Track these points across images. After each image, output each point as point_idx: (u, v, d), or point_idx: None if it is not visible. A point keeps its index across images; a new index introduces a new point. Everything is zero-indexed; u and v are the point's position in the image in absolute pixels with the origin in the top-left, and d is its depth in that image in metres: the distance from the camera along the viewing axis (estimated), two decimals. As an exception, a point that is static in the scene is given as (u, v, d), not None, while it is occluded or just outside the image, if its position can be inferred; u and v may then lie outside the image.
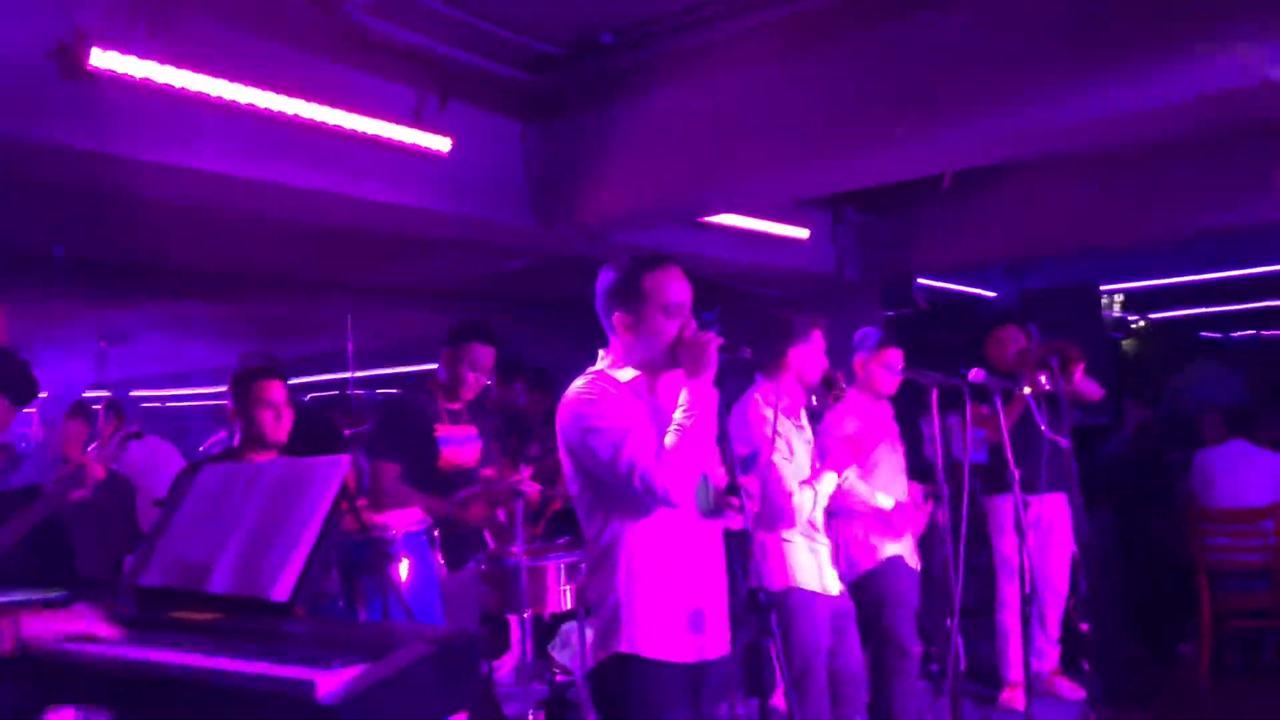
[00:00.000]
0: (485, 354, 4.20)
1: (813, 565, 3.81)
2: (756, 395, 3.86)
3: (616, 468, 2.46)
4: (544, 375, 6.46)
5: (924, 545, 4.77)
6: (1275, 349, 9.59)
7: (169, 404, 11.61)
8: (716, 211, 5.28)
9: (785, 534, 3.76)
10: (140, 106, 3.31)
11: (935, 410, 3.94)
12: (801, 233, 6.29)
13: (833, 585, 3.88)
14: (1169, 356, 9.39)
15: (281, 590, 2.28)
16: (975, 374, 4.15)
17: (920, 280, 7.60)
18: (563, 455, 2.64)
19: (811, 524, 3.84)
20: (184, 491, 2.75)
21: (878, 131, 4.31)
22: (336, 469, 2.45)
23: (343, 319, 6.12)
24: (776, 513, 3.68)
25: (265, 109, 3.50)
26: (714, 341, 2.56)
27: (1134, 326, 9.77)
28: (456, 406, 4.25)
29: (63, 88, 3.13)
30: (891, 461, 4.53)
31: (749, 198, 5.07)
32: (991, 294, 8.28)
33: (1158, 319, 9.71)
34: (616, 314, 2.61)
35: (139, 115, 3.31)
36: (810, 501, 3.74)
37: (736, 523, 3.00)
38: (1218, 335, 9.56)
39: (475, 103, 4.40)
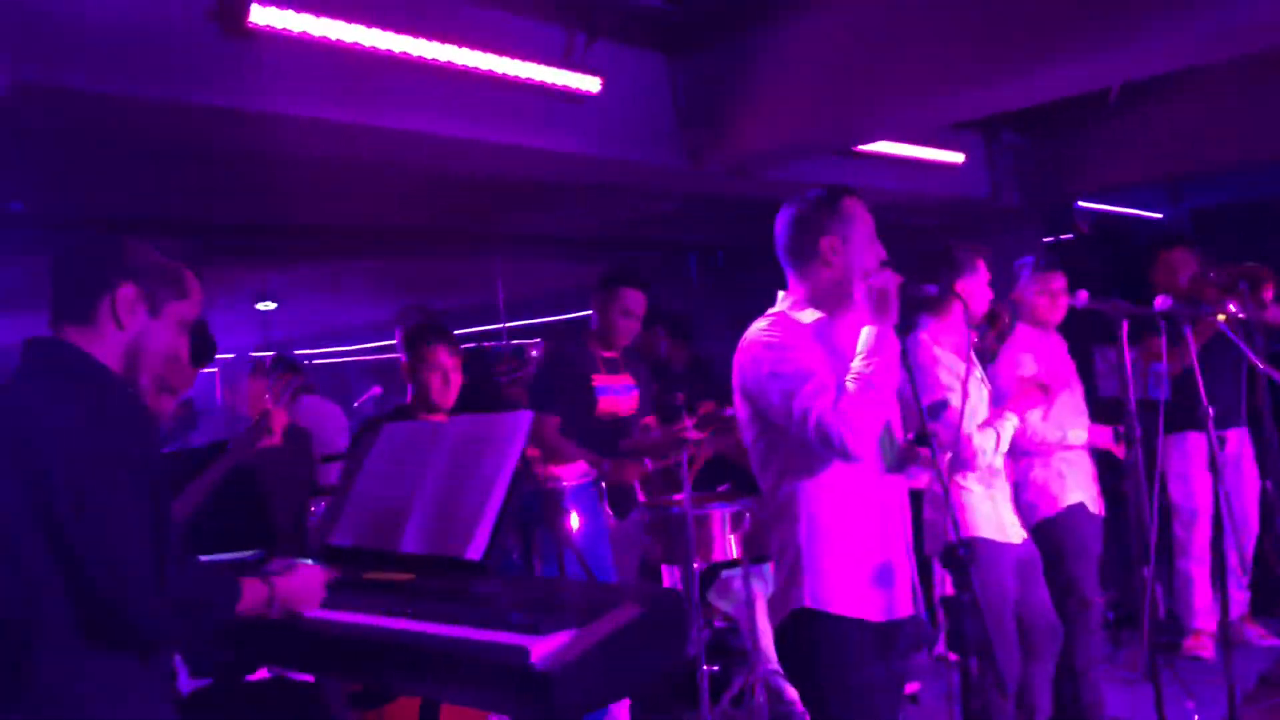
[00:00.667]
0: (637, 299, 4.13)
1: (993, 513, 3.61)
2: (924, 335, 3.63)
3: (793, 415, 2.31)
4: (682, 322, 6.35)
5: (1107, 489, 4.50)
6: None
7: (324, 360, 11.96)
8: (870, 140, 5.00)
9: (962, 481, 3.56)
10: (296, 61, 3.29)
11: (1125, 343, 3.64)
12: (956, 157, 5.94)
13: (1015, 533, 3.67)
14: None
15: (475, 549, 2.25)
16: (1162, 301, 3.83)
17: (1081, 204, 7.14)
18: (737, 400, 2.50)
19: (990, 469, 3.63)
20: (366, 450, 2.75)
21: (1043, 45, 3.98)
22: (520, 424, 2.39)
23: (492, 271, 6.11)
24: (956, 459, 3.49)
25: (420, 57, 3.43)
26: (895, 280, 2.37)
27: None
28: (612, 355, 4.19)
29: (222, 48, 3.12)
30: (1070, 400, 4.26)
31: (904, 123, 4.77)
32: (1157, 215, 7.72)
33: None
34: (824, 239, 2.42)
35: (295, 71, 3.28)
36: (992, 445, 3.52)
37: (922, 479, 2.83)
38: None
39: (621, 38, 4.23)
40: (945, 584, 3.31)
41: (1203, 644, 5.13)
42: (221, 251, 5.47)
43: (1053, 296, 4.12)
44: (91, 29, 2.90)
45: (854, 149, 5.08)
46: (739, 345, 2.51)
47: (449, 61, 3.50)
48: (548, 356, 4.16)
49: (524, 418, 2.41)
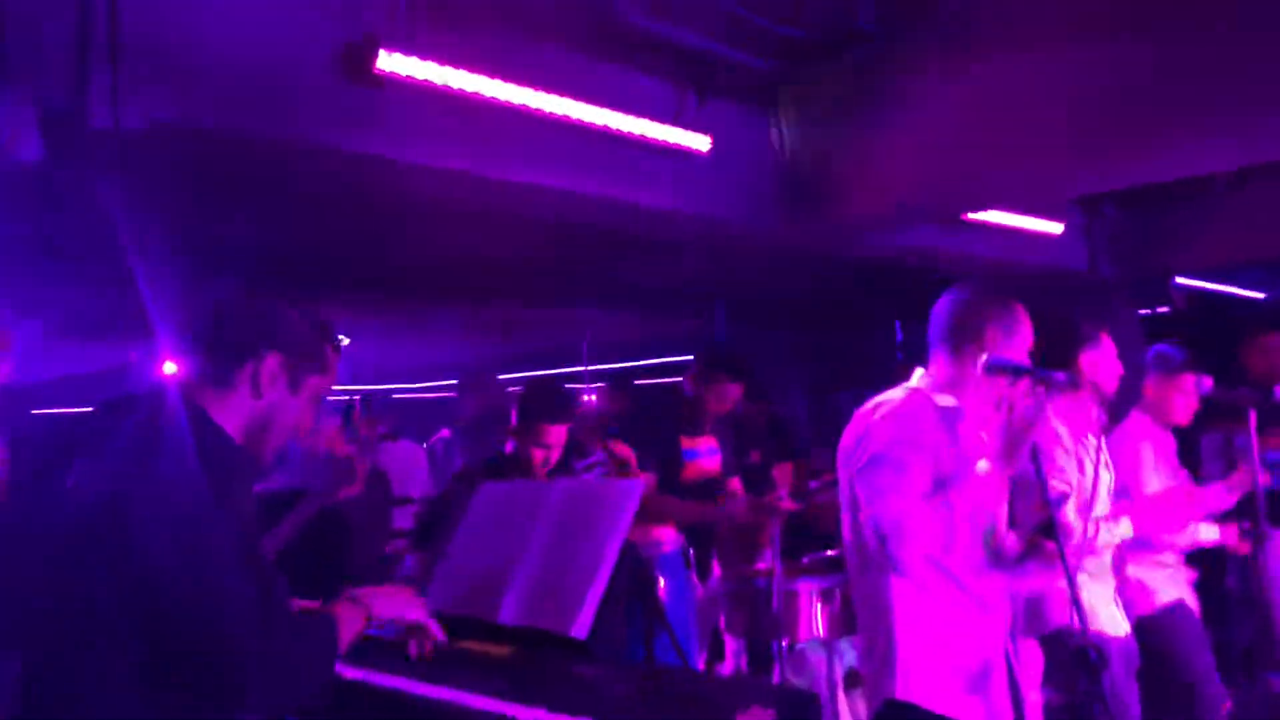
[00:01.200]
0: (734, 390, 4.07)
1: (1104, 606, 3.44)
2: (1048, 415, 3.49)
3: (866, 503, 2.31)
4: (756, 380, 6.22)
5: (1201, 586, 4.28)
6: None
7: (399, 396, 12.03)
8: (977, 209, 4.89)
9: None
10: (418, 108, 3.29)
11: (1254, 434, 3.45)
12: (1055, 227, 5.79)
13: (1122, 625, 3.50)
14: None
15: (581, 626, 2.15)
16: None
17: (1179, 280, 6.92)
18: (840, 468, 2.45)
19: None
20: (463, 509, 2.67)
21: (1161, 126, 3.86)
22: (632, 495, 2.30)
23: (578, 316, 6.07)
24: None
25: (538, 110, 3.41)
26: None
27: None
28: (702, 419, 4.13)
29: (348, 91, 3.12)
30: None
31: (1013, 196, 4.66)
32: (1258, 294, 7.45)
33: None
34: (989, 326, 2.42)
35: (416, 117, 3.28)
36: (1111, 540, 3.36)
37: (1038, 578, 2.71)
38: None
39: (731, 97, 4.20)
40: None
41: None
42: (327, 285, 5.49)
43: (1187, 395, 3.93)
44: (221, 69, 2.92)
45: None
46: (858, 413, 2.45)
47: (565, 115, 3.48)
48: (633, 416, 4.11)
49: (636, 485, 2.32)
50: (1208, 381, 3.72)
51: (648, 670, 1.98)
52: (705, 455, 4.15)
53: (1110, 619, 3.45)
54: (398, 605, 2.02)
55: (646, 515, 3.75)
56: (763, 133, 4.36)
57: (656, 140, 3.80)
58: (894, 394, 2.46)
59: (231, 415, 1.78)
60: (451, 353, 8.79)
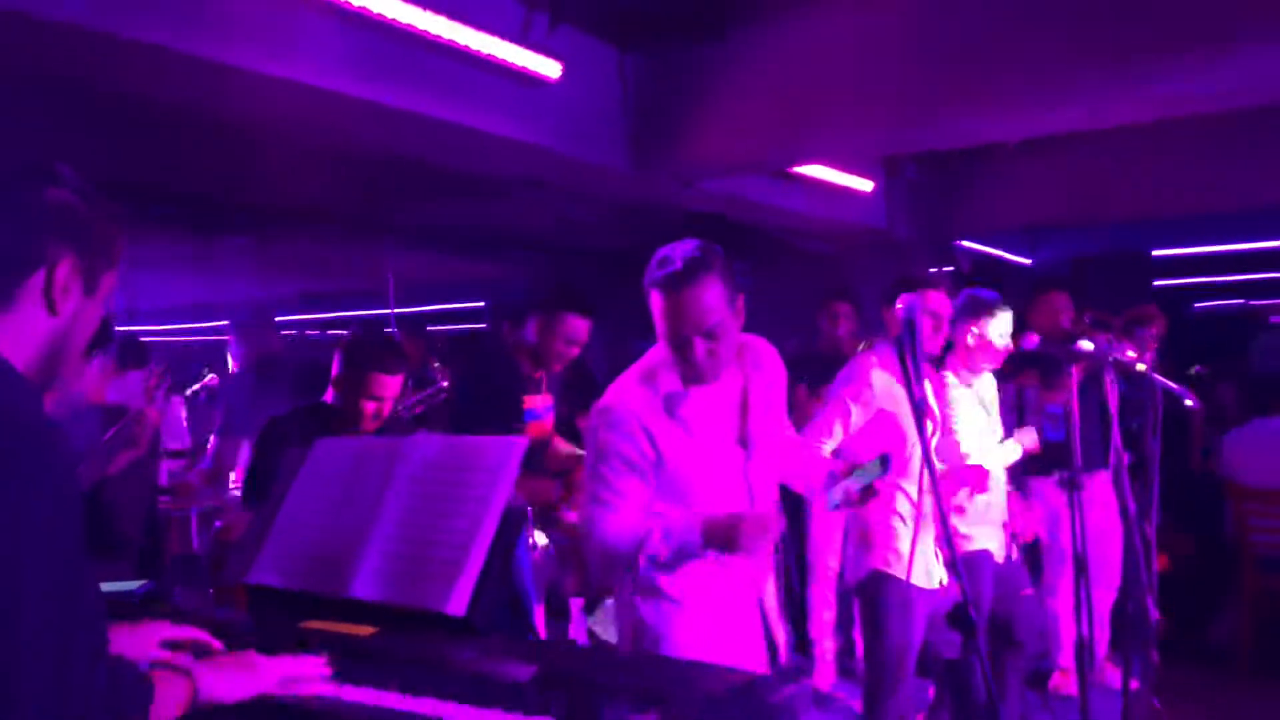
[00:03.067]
0: (581, 327, 3.86)
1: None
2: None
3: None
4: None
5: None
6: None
7: (156, 339, 10.88)
8: (807, 162, 4.89)
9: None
10: (238, 7, 2.79)
11: (1075, 390, 3.62)
12: (865, 185, 5.93)
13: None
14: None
15: (458, 602, 1.87)
16: (1090, 349, 3.87)
17: (962, 243, 7.32)
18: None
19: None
20: (292, 469, 2.31)
21: (987, 90, 3.98)
22: (513, 453, 2.04)
23: (382, 260, 5.64)
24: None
25: (372, 12, 2.98)
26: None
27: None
28: (539, 375, 3.91)
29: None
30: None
31: (843, 150, 4.69)
32: (1027, 261, 8.03)
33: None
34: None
35: (235, 16, 2.79)
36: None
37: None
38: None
39: (581, 25, 3.90)
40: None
41: (1068, 682, 5.27)
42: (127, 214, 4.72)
43: (1003, 341, 4.08)
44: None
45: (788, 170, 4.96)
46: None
47: (402, 22, 3.07)
48: (474, 376, 3.83)
49: (518, 444, 2.05)
50: (1033, 338, 3.87)
51: (551, 649, 1.77)
52: (543, 415, 3.96)
53: (925, 574, 3.57)
54: (234, 684, 1.62)
55: None
56: (612, 66, 4.10)
57: (502, 60, 3.46)
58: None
59: (18, 346, 1.36)
60: (234, 290, 7.98)
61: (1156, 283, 7.49)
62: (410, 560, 1.99)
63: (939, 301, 3.56)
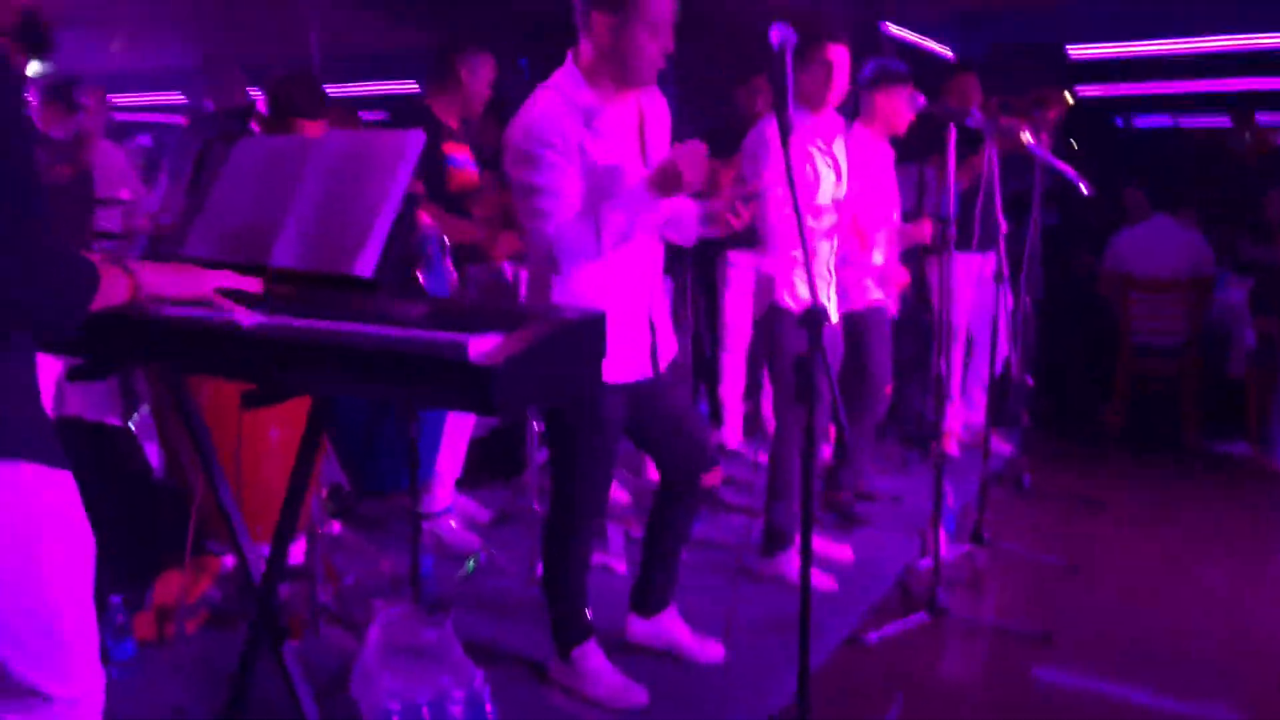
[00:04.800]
0: (488, 63, 4.05)
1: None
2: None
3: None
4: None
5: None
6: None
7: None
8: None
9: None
10: None
11: (952, 150, 3.88)
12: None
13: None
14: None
15: (365, 265, 2.16)
16: (975, 117, 4.12)
17: (889, 30, 7.39)
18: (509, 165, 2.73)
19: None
20: (216, 165, 2.54)
21: None
22: (411, 143, 2.28)
23: (303, 20, 5.54)
24: None
25: None
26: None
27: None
28: (455, 125, 4.12)
29: None
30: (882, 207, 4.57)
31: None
32: (949, 53, 8.13)
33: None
34: (596, 14, 2.64)
35: None
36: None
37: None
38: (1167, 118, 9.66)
39: None
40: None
41: (950, 444, 5.81)
42: None
43: (906, 107, 4.31)
44: None
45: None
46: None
47: None
48: (395, 123, 4.02)
49: (415, 136, 2.29)
50: (921, 99, 4.13)
51: (435, 300, 2.08)
52: (465, 164, 4.19)
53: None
54: (175, 281, 1.84)
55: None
56: None
57: None
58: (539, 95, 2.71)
59: None
60: (149, 60, 7.79)
61: (1081, 90, 7.66)
62: (324, 234, 2.25)
63: (837, 53, 3.76)
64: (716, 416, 5.87)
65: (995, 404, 5.92)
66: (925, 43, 7.86)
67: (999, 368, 5.89)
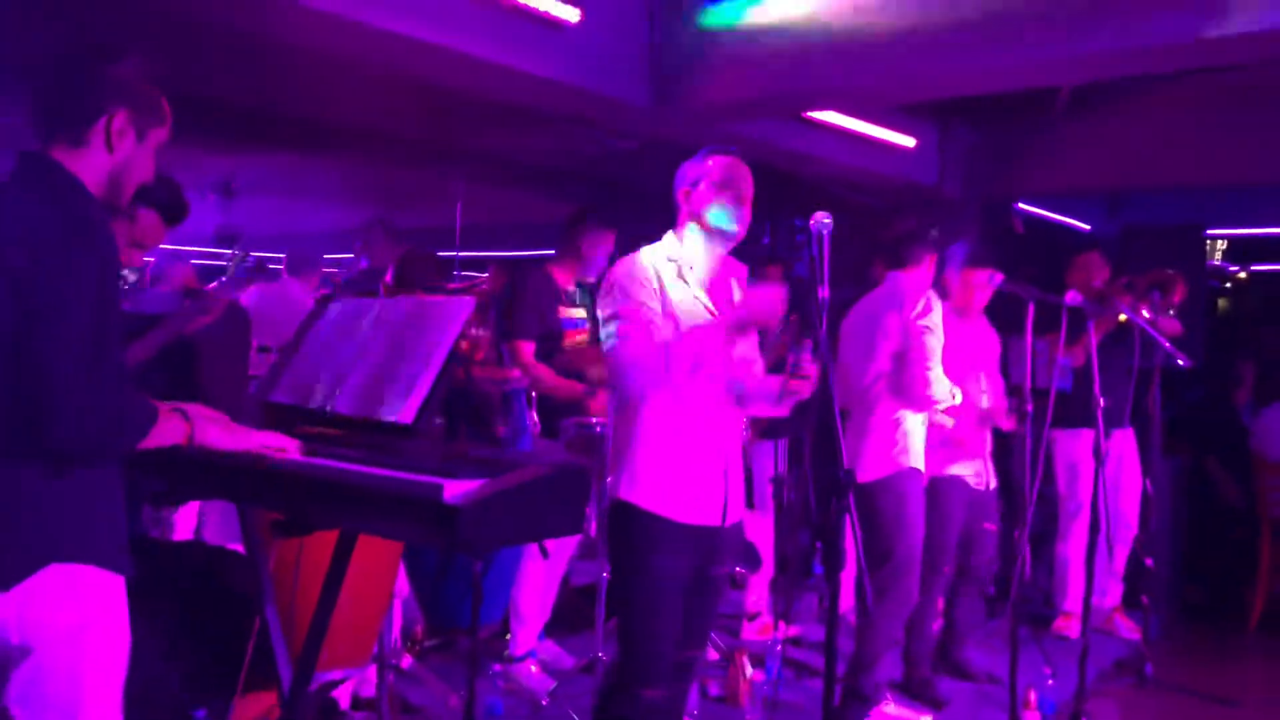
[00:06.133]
0: (608, 238, 4.40)
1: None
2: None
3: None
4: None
5: (1001, 464, 4.83)
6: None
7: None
8: (820, 107, 5.20)
9: None
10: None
11: (1030, 325, 3.93)
12: (907, 140, 6.21)
13: None
14: (1267, 311, 9.14)
15: (406, 414, 2.43)
16: (1072, 296, 4.14)
17: (1021, 205, 7.45)
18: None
19: None
20: (315, 320, 2.93)
21: (998, 32, 4.19)
22: (461, 310, 2.58)
23: (450, 189, 6.19)
24: None
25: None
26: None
27: (1235, 277, 9.45)
28: (571, 288, 4.43)
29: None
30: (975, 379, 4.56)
31: (858, 94, 4.95)
32: (1086, 227, 8.09)
33: (1260, 271, 9.36)
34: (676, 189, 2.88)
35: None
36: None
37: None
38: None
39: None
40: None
41: (1071, 625, 5.48)
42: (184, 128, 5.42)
43: (971, 289, 4.41)
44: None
45: (809, 117, 5.25)
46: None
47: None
48: (523, 283, 4.37)
49: (465, 303, 2.60)
50: (999, 276, 4.20)
51: (458, 446, 2.32)
52: (580, 326, 4.47)
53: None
54: (223, 436, 2.10)
55: (533, 383, 4.10)
56: (638, 7, 4.53)
57: (522, 4, 3.99)
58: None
59: (90, 173, 1.98)
60: (324, 220, 8.77)
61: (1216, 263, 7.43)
62: (378, 384, 2.56)
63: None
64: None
65: (1121, 586, 5.62)
66: (1057, 217, 7.87)
67: (1127, 548, 5.60)
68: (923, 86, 4.77)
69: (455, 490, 1.86)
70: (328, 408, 2.59)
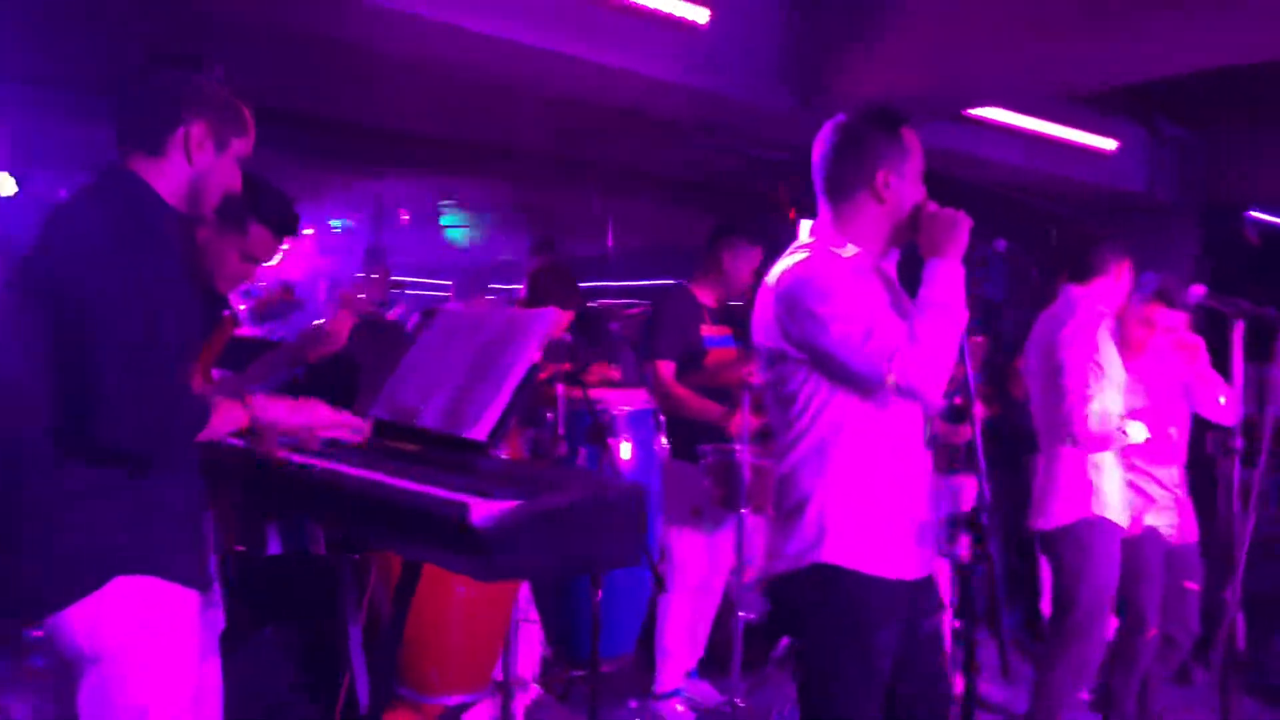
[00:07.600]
0: (753, 254, 4.18)
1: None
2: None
3: (859, 352, 2.14)
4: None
5: (1205, 513, 4.19)
6: None
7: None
8: (987, 102, 4.76)
9: None
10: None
11: (1239, 344, 3.35)
12: (1107, 143, 5.61)
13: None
14: None
15: (481, 431, 2.34)
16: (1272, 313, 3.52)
17: (1254, 213, 6.59)
18: (761, 339, 2.32)
19: None
20: (422, 332, 2.91)
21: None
22: (539, 323, 2.46)
23: (602, 218, 6.17)
24: None
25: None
26: (967, 221, 2.21)
27: None
28: (714, 305, 4.26)
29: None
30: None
31: (1014, 86, 4.47)
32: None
33: None
34: (880, 172, 2.23)
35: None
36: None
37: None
38: None
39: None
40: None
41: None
42: (323, 154, 5.66)
43: (1147, 326, 3.86)
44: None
45: (974, 117, 4.83)
46: (776, 279, 2.29)
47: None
48: (664, 303, 4.24)
49: (547, 314, 2.47)
50: (1199, 289, 3.61)
51: (527, 464, 2.18)
52: (722, 342, 4.27)
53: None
54: (289, 412, 2.11)
55: (673, 406, 3.95)
56: (772, 7, 4.31)
57: (650, 8, 3.85)
58: (796, 255, 2.30)
59: (169, 183, 1.99)
60: (469, 254, 8.97)
61: None
62: (461, 401, 2.48)
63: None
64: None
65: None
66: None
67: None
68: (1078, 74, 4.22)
69: (484, 511, 1.72)
70: (416, 423, 2.53)
